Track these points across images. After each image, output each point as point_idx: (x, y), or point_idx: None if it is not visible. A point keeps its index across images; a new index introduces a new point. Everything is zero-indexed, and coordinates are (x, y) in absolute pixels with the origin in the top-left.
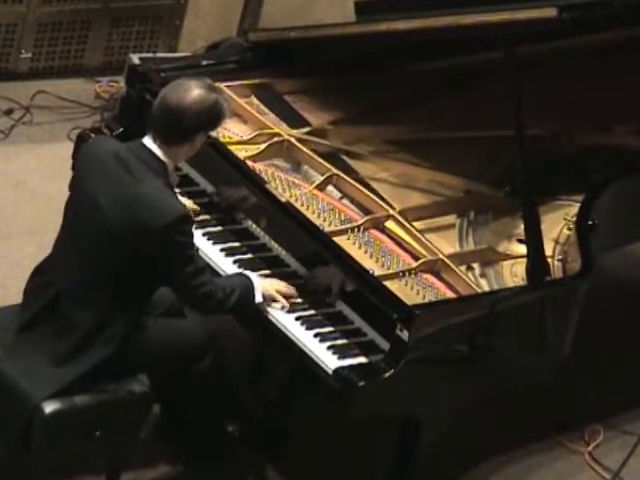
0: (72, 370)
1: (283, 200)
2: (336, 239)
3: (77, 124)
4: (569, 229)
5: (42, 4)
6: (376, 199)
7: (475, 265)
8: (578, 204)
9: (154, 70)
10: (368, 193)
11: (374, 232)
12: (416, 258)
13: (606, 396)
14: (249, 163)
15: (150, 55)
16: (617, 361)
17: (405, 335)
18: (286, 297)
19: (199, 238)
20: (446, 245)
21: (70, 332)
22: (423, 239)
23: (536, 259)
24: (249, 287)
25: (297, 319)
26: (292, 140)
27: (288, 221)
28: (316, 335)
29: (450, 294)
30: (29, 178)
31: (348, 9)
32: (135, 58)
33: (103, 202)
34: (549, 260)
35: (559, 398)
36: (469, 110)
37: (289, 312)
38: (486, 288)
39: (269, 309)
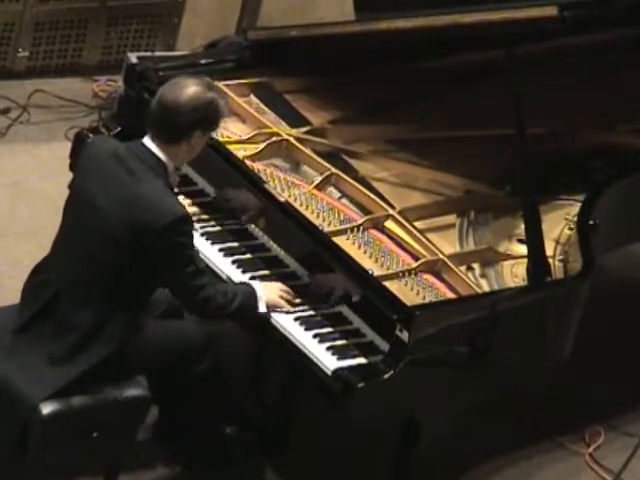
0: (70, 371)
1: (282, 200)
2: (335, 239)
3: (75, 123)
4: (570, 229)
5: (39, 2)
6: (376, 199)
7: (475, 265)
8: (579, 204)
9: (152, 69)
10: (368, 193)
11: (374, 232)
12: (416, 258)
13: (607, 397)
14: (248, 163)
15: (148, 54)
16: (618, 362)
17: (405, 336)
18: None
19: (197, 238)
20: (446, 245)
21: (68, 332)
22: (423, 239)
23: (537, 259)
24: (252, 295)
25: (296, 319)
26: (291, 139)
27: (287, 221)
28: (315, 336)
29: (450, 294)
30: (26, 177)
31: (347, 7)
32: (133, 57)
33: (102, 202)
34: (550, 260)
35: (560, 399)
36: (469, 109)
37: (288, 312)
38: (486, 288)
39: (270, 313)
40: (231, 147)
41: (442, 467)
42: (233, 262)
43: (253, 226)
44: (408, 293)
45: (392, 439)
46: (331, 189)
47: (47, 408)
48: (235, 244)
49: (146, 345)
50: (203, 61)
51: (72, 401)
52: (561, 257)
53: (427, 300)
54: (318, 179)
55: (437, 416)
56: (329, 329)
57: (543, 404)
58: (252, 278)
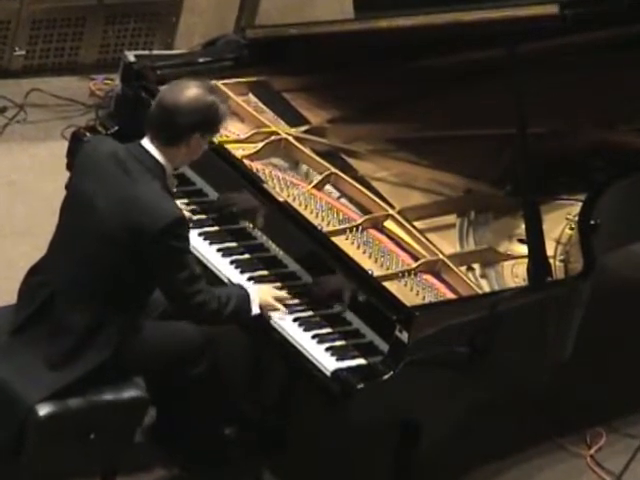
0: (67, 373)
1: (281, 200)
2: (334, 239)
3: (71, 122)
4: (571, 229)
5: (36, 0)
6: (375, 198)
7: (475, 265)
8: (580, 203)
9: (150, 67)
10: (367, 192)
11: (373, 232)
12: (416, 258)
13: (608, 398)
14: (246, 162)
15: (146, 52)
16: (619, 363)
17: (404, 336)
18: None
19: (195, 238)
20: (446, 245)
21: (65, 334)
22: (423, 239)
23: (537, 259)
24: (245, 298)
25: (295, 320)
26: (290, 139)
27: (286, 221)
28: (314, 336)
29: (450, 295)
30: (23, 177)
31: (347, 6)
32: (130, 55)
33: (100, 203)
34: (551, 260)
35: (561, 400)
36: (470, 108)
37: (287, 313)
38: (487, 289)
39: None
40: (229, 146)
41: (442, 468)
42: (231, 262)
43: (252, 226)
44: (408, 293)
45: (392, 440)
46: (330, 189)
47: (43, 410)
48: (233, 244)
49: (144, 346)
50: (201, 60)
51: (69, 403)
52: (562, 257)
53: (427, 300)
54: (317, 179)
55: (437, 417)
56: (328, 330)
57: (544, 405)
58: (250, 279)
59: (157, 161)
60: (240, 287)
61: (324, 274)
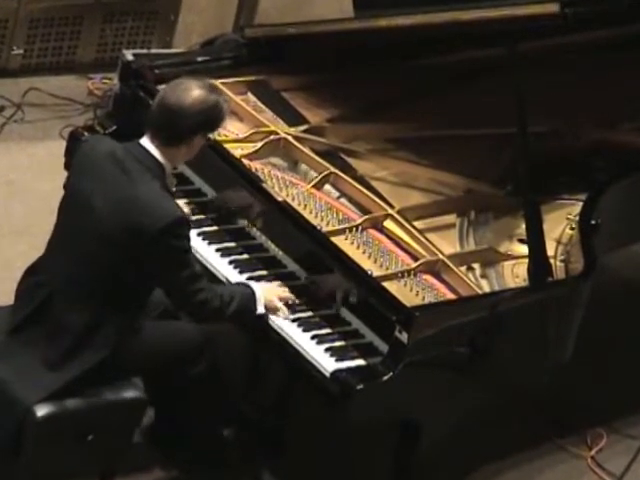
0: (65, 374)
1: (280, 199)
2: (334, 239)
3: (69, 122)
4: (572, 229)
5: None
6: (375, 198)
7: (476, 265)
8: (581, 203)
9: (148, 66)
10: (367, 192)
11: (373, 232)
12: (415, 258)
13: (609, 399)
14: (245, 162)
15: (144, 51)
16: (620, 363)
17: (404, 337)
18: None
19: (194, 238)
20: (446, 245)
21: (63, 335)
22: (423, 239)
23: (538, 259)
24: (250, 297)
25: (294, 321)
26: (289, 138)
27: (285, 221)
28: (313, 337)
29: (450, 295)
30: (21, 176)
31: (346, 4)
32: (129, 54)
33: (98, 203)
34: (551, 260)
35: (561, 401)
36: (470, 107)
37: (287, 317)
38: (487, 289)
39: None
40: (228, 146)
41: (442, 469)
42: (230, 262)
43: (251, 226)
44: (407, 294)
45: (391, 440)
46: (329, 188)
47: (41, 410)
48: (232, 244)
49: (143, 346)
50: (200, 59)
51: (67, 403)
52: (562, 257)
53: (427, 301)
54: (316, 178)
55: (437, 417)
56: (327, 330)
57: (544, 406)
58: (249, 279)
59: (157, 160)
60: (245, 286)
61: (323, 274)
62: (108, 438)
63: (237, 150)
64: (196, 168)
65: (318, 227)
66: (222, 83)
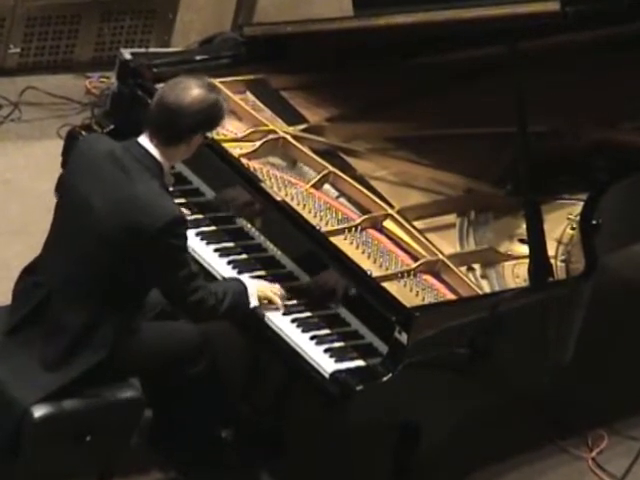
0: (62, 375)
1: (278, 199)
2: (333, 239)
3: (67, 121)
4: (572, 229)
5: None
6: (374, 198)
7: (476, 266)
8: (581, 203)
9: (146, 65)
10: (366, 192)
11: (372, 232)
12: (415, 259)
13: (610, 400)
14: (244, 161)
15: (142, 50)
16: (621, 364)
17: (404, 338)
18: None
19: (192, 238)
20: (446, 245)
21: (60, 335)
22: (422, 239)
23: (538, 260)
24: (242, 292)
25: (293, 321)
26: (288, 137)
27: (284, 221)
28: (312, 338)
29: (450, 296)
30: (18, 176)
31: (345, 3)
32: (127, 53)
33: (97, 203)
34: (552, 261)
35: (562, 402)
36: (470, 106)
37: (285, 314)
38: (487, 289)
39: (265, 312)
40: (227, 145)
41: (442, 471)
42: (229, 263)
43: (249, 226)
44: (407, 294)
45: (391, 441)
46: (329, 188)
47: (39, 411)
48: (231, 244)
49: (141, 347)
50: (198, 57)
51: (64, 404)
52: (563, 257)
53: (426, 301)
54: (315, 178)
55: (437, 418)
56: (327, 331)
57: (544, 407)
58: None
59: (155, 159)
60: (237, 281)
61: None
62: (106, 439)
63: (236, 149)
64: (194, 168)
65: (317, 227)
66: (221, 82)
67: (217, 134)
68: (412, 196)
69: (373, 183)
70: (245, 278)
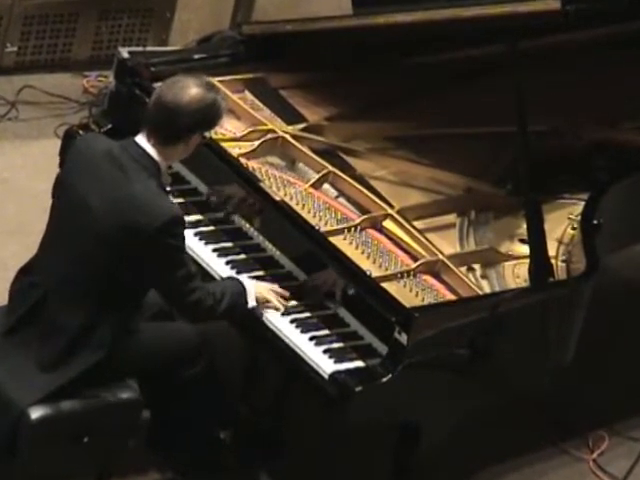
0: (60, 376)
1: (277, 199)
2: (332, 239)
3: (64, 120)
4: (573, 229)
5: None
6: (374, 198)
7: (476, 266)
8: (582, 203)
9: (144, 64)
10: (365, 191)
11: (372, 232)
12: (415, 259)
13: (611, 401)
14: (242, 161)
15: (140, 49)
16: (622, 365)
17: (403, 338)
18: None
19: (191, 238)
20: (446, 245)
21: (57, 335)
22: (422, 239)
23: (539, 260)
24: (241, 292)
25: (292, 322)
26: (287, 137)
27: (283, 220)
28: (311, 338)
29: (450, 296)
30: (15, 175)
31: (344, 1)
32: (124, 52)
33: (95, 202)
34: (552, 261)
35: (562, 403)
36: (470, 106)
37: (284, 315)
38: (487, 290)
39: (263, 312)
40: (225, 145)
41: (442, 472)
42: (227, 263)
43: (248, 226)
44: (407, 294)
45: (391, 442)
46: (328, 188)
47: (36, 413)
48: (229, 244)
49: (140, 347)
50: (196, 56)
51: (61, 405)
52: (564, 257)
53: (426, 302)
54: (314, 177)
55: (437, 420)
56: (326, 331)
57: (545, 408)
58: None
59: (152, 159)
60: (236, 281)
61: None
62: (104, 440)
63: (234, 149)
64: (192, 167)
65: (316, 227)
66: (219, 81)
67: (215, 133)
68: (412, 196)
69: (373, 183)
70: (244, 278)
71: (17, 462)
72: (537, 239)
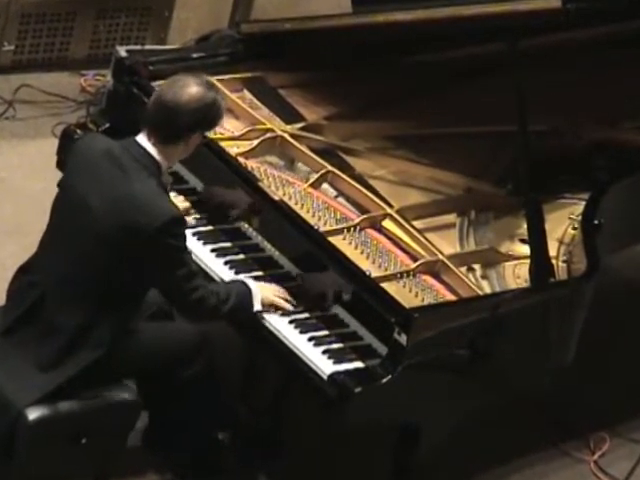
0: (57, 376)
1: (276, 199)
2: (331, 239)
3: (62, 119)
4: (574, 229)
5: None
6: (373, 197)
7: (476, 266)
8: (583, 202)
9: (142, 63)
10: (365, 191)
11: (371, 232)
12: (415, 259)
13: (611, 402)
14: (241, 160)
15: (138, 47)
16: (623, 366)
17: (403, 339)
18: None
19: (189, 238)
20: (446, 245)
21: (55, 336)
22: (422, 239)
23: (539, 260)
24: (246, 294)
25: (291, 322)
26: (286, 136)
27: (281, 220)
28: (310, 339)
29: (450, 296)
30: (12, 175)
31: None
32: (122, 51)
33: (95, 202)
34: (553, 261)
35: (563, 403)
36: (470, 105)
37: (283, 315)
38: (487, 290)
39: (263, 313)
40: (224, 144)
41: (442, 472)
42: (226, 263)
43: (246, 226)
44: (406, 295)
45: (391, 443)
46: (327, 187)
47: (33, 413)
48: (228, 244)
49: (139, 347)
50: (195, 55)
51: (59, 406)
52: (565, 257)
53: (426, 302)
54: (313, 177)
55: (437, 421)
56: (325, 332)
57: (546, 409)
58: None
59: (153, 158)
60: (242, 283)
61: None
62: (102, 441)
63: (233, 148)
64: (190, 166)
65: (315, 227)
66: (218, 80)
67: (214, 133)
68: (411, 195)
69: (372, 182)
70: (250, 281)
71: (15, 463)
72: (537, 239)
